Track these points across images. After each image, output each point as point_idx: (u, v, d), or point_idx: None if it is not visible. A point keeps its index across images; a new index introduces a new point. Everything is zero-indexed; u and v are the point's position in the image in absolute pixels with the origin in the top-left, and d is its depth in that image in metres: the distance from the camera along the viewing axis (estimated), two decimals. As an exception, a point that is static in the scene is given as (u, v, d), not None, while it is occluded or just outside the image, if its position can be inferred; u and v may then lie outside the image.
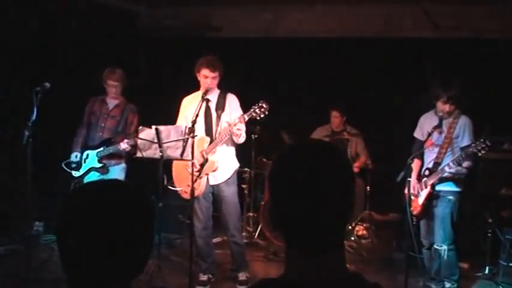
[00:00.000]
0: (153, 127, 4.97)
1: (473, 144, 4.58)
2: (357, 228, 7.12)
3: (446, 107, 4.88)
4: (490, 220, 5.50)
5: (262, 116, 4.96)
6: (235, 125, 4.95)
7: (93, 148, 5.79)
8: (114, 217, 1.36)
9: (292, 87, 7.98)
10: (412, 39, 7.55)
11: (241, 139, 5.17)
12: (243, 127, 4.99)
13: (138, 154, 5.04)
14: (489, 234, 5.51)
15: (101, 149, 5.75)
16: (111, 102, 5.89)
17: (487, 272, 5.55)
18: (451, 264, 4.98)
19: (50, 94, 5.54)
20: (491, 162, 5.77)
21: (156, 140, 4.94)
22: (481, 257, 5.58)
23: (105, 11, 7.62)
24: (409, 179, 4.81)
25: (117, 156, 5.80)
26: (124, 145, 5.57)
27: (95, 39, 7.34)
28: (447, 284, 5.04)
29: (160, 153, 4.95)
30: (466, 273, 5.41)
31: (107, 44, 7.57)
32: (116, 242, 1.35)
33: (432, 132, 4.93)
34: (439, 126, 4.94)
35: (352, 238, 6.95)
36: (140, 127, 5.25)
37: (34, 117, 5.10)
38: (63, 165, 5.72)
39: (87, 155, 5.78)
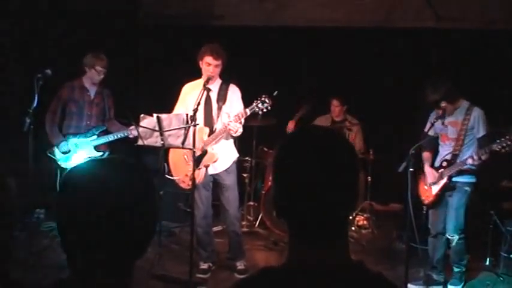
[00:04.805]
0: (155, 115, 4.95)
1: (497, 141, 4.62)
2: (357, 218, 7.12)
3: (448, 107, 4.95)
4: (491, 212, 5.50)
5: (264, 110, 5.01)
6: (228, 124, 4.99)
7: (81, 136, 5.67)
8: (115, 196, 1.33)
9: (294, 76, 7.95)
10: (415, 29, 7.52)
11: (238, 134, 5.20)
12: (237, 125, 5.02)
13: (140, 142, 5.02)
14: (490, 226, 5.51)
15: (94, 137, 5.67)
16: (92, 89, 5.76)
17: (487, 263, 5.56)
18: (461, 251, 5.10)
19: (51, 81, 5.53)
20: (492, 154, 5.76)
21: (157, 128, 4.92)
22: (482, 248, 5.58)
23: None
24: (411, 169, 4.80)
25: (106, 144, 5.76)
26: (134, 131, 5.52)
27: (97, 26, 7.30)
28: (456, 269, 5.17)
29: (162, 142, 4.94)
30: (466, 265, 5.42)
31: (108, 31, 7.53)
32: (116, 221, 1.32)
33: (434, 122, 5.00)
34: (441, 117, 4.98)
35: (353, 228, 6.96)
36: (142, 115, 5.23)
37: (35, 104, 5.08)
38: (49, 154, 5.54)
39: (76, 144, 5.65)
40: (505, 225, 5.41)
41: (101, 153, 5.73)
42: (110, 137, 5.68)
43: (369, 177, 7.03)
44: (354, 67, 7.67)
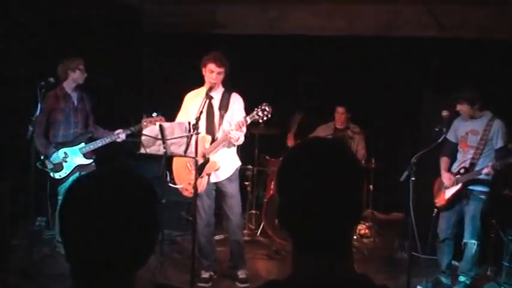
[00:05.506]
0: (157, 123, 4.97)
1: None
2: (359, 227, 7.10)
3: (464, 107, 5.18)
4: (493, 221, 5.50)
5: (264, 118, 5.02)
6: (229, 132, 5.00)
7: (69, 145, 5.62)
8: (119, 206, 1.34)
9: (296, 84, 7.97)
10: (417, 38, 7.54)
11: (239, 142, 5.19)
12: (237, 133, 5.02)
13: (142, 150, 5.02)
14: (492, 235, 5.50)
15: (82, 144, 5.64)
16: (74, 95, 5.74)
17: (489, 272, 5.55)
18: (474, 259, 5.19)
19: (54, 89, 5.55)
20: (508, 166, 5.79)
21: (159, 137, 4.93)
22: (484, 257, 5.56)
23: (110, 6, 7.61)
24: (412, 178, 4.82)
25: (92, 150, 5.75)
26: (122, 135, 5.56)
27: (100, 35, 7.33)
28: (462, 278, 5.23)
29: (164, 150, 4.95)
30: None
31: (112, 39, 7.56)
32: (120, 231, 1.33)
33: (437, 131, 5.08)
34: (444, 126, 5.05)
35: (355, 237, 6.93)
36: (145, 123, 5.25)
37: (38, 112, 5.08)
38: (39, 166, 5.40)
39: (65, 153, 5.59)
40: (507, 234, 5.41)
41: (90, 161, 5.72)
42: (98, 143, 5.66)
43: (371, 186, 7.02)
44: (355, 75, 7.68)
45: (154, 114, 5.26)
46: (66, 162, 5.59)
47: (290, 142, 7.20)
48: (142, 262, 1.40)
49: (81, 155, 5.65)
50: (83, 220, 1.33)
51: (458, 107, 5.19)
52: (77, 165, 5.63)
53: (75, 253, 1.36)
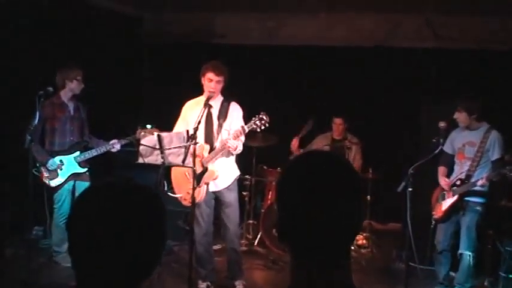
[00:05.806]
0: (155, 133, 4.97)
1: (508, 167, 4.81)
2: (356, 238, 7.08)
3: (461, 116, 5.15)
4: (490, 232, 5.51)
5: (262, 127, 5.02)
6: (227, 141, 5.00)
7: (65, 153, 5.65)
8: (124, 220, 1.36)
9: (294, 94, 7.99)
10: (414, 49, 7.58)
11: (237, 151, 5.19)
12: (235, 143, 5.02)
13: (140, 160, 5.01)
14: (489, 246, 5.51)
15: (77, 153, 5.67)
16: (70, 104, 5.77)
17: (486, 283, 5.55)
18: (469, 271, 5.16)
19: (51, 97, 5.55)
20: (503, 177, 5.80)
21: (158, 147, 4.93)
22: (481, 268, 5.57)
23: (110, 16, 7.64)
24: (409, 189, 4.83)
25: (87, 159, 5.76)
26: (117, 145, 5.58)
27: (100, 44, 7.35)
28: None
29: (162, 160, 4.95)
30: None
31: (112, 49, 7.59)
32: (127, 243, 1.35)
33: (434, 141, 5.10)
34: (441, 137, 5.09)
35: (352, 247, 6.92)
36: (142, 133, 5.25)
37: (36, 121, 5.09)
38: (34, 172, 5.37)
39: (61, 161, 5.62)
40: (504, 245, 5.41)
41: (85, 169, 5.74)
42: (94, 152, 5.70)
43: (368, 196, 7.01)
44: (353, 86, 7.71)
45: (149, 126, 5.27)
46: (61, 170, 5.62)
47: (295, 144, 7.13)
48: (147, 273, 1.42)
49: (76, 164, 5.68)
50: (90, 232, 1.35)
51: (456, 115, 5.16)
52: (72, 174, 5.67)
53: (80, 261, 1.38)
